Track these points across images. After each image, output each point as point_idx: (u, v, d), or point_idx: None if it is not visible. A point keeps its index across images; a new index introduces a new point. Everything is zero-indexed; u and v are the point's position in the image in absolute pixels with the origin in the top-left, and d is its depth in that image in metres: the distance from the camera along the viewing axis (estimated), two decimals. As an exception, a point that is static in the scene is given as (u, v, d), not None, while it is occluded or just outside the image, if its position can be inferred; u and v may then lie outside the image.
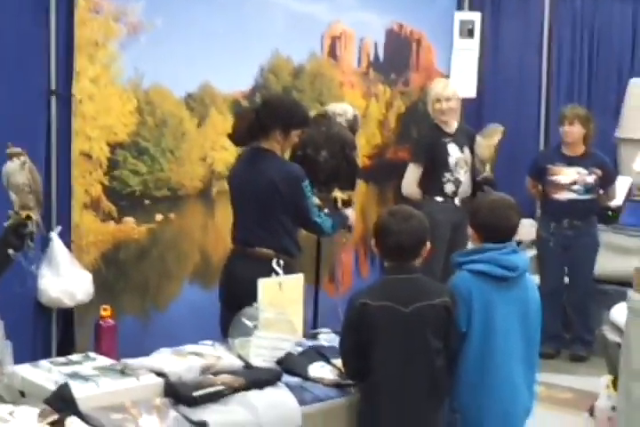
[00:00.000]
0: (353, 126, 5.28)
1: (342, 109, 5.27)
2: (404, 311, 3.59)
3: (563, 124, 6.63)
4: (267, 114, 4.48)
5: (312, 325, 5.09)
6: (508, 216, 3.89)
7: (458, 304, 3.71)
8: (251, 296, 4.03)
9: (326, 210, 4.85)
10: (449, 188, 6.34)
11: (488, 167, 6.46)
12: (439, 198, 6.27)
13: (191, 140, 5.61)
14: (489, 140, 6.43)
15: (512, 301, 3.86)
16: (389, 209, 3.88)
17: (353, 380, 3.74)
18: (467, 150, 6.43)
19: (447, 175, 6.34)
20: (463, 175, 6.39)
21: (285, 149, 4.64)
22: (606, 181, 6.67)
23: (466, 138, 6.47)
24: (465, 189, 6.40)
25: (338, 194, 5.11)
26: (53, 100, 4.92)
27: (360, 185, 6.59)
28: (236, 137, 4.60)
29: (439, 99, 6.33)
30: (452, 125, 6.42)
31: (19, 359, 3.74)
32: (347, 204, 5.12)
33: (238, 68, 5.71)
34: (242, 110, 4.65)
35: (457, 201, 6.33)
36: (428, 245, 3.73)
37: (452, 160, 6.35)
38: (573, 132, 6.59)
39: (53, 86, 4.92)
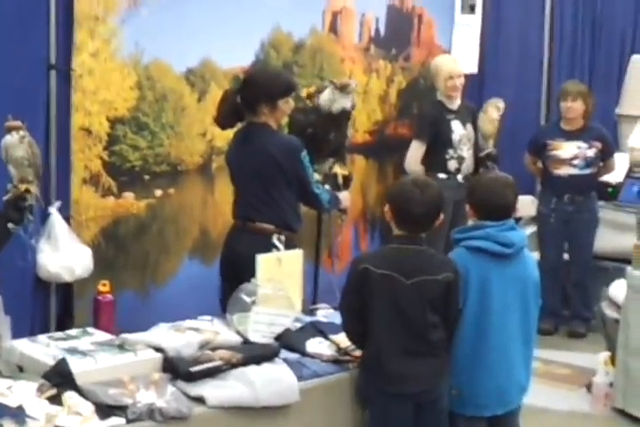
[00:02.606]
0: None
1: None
2: (405, 283, 3.60)
3: (564, 99, 6.62)
4: (248, 90, 4.48)
5: (312, 300, 5.10)
6: (504, 194, 3.90)
7: (461, 280, 3.71)
8: (251, 272, 4.04)
9: (327, 186, 4.86)
10: (452, 165, 6.33)
11: (491, 143, 6.47)
12: (442, 175, 6.25)
13: (191, 116, 5.60)
14: (491, 114, 6.43)
15: (510, 277, 3.87)
16: (410, 178, 3.89)
17: (353, 343, 3.76)
18: (469, 127, 6.43)
19: (450, 152, 6.33)
20: (466, 152, 6.39)
21: (279, 119, 4.62)
22: (606, 153, 6.67)
23: (468, 114, 6.46)
24: (468, 165, 6.40)
25: (338, 170, 5.11)
26: (53, 74, 4.90)
27: (360, 161, 6.60)
28: (221, 120, 4.60)
29: (452, 76, 6.32)
30: (456, 102, 6.41)
31: (17, 334, 3.77)
32: (347, 180, 5.12)
33: (239, 43, 5.68)
34: (223, 94, 4.62)
35: (460, 178, 6.33)
36: (442, 217, 3.74)
37: (455, 137, 6.34)
38: (575, 107, 6.59)
39: (53, 61, 4.90)
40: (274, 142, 4.46)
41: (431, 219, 3.70)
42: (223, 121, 4.61)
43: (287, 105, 4.55)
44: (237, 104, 4.50)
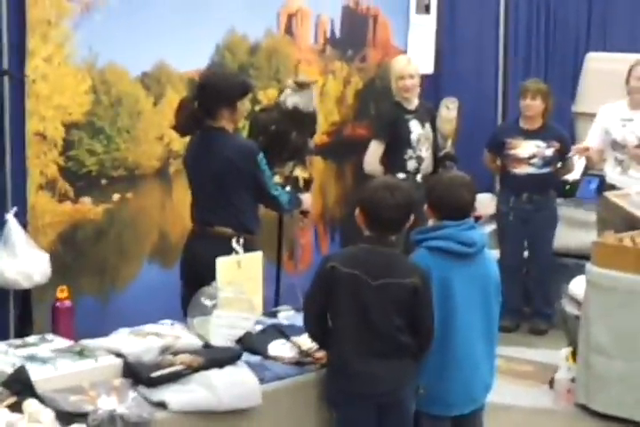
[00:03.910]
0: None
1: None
2: (371, 284, 3.59)
3: (524, 97, 6.65)
4: (206, 95, 4.45)
5: (274, 303, 5.10)
6: (462, 194, 3.90)
7: (431, 286, 3.69)
8: (211, 275, 4.03)
9: (288, 188, 4.85)
10: (411, 165, 6.34)
11: (449, 142, 6.49)
12: (401, 175, 6.24)
13: (147, 120, 5.56)
14: (447, 114, 6.46)
15: (471, 277, 3.88)
16: (382, 181, 3.88)
17: (315, 342, 3.76)
18: (428, 126, 6.44)
19: (409, 152, 6.34)
20: (425, 152, 6.40)
21: (238, 121, 4.63)
22: (565, 153, 6.70)
23: (427, 114, 6.48)
24: (427, 165, 6.41)
25: (299, 173, 5.11)
26: (6, 80, 4.85)
27: (318, 162, 6.59)
28: (180, 128, 4.59)
29: (403, 76, 6.32)
30: (413, 102, 6.43)
31: (-24, 342, 3.72)
32: (308, 183, 5.12)
33: (194, 46, 5.65)
34: (179, 102, 4.60)
35: (419, 178, 6.33)
36: (412, 219, 3.73)
37: (414, 137, 6.35)
38: (535, 106, 6.63)
39: (6, 66, 4.85)
40: (230, 146, 4.45)
41: (402, 221, 3.69)
42: (182, 129, 4.60)
43: (244, 106, 4.56)
44: (195, 111, 4.48)
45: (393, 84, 6.37)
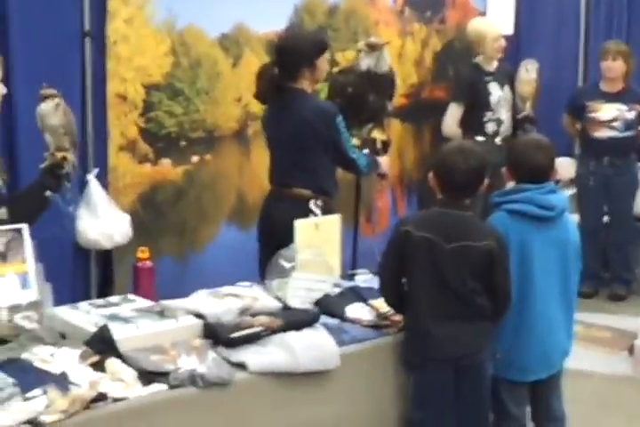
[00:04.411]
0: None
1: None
2: (445, 247, 3.56)
3: (605, 59, 6.55)
4: (286, 57, 4.44)
5: (351, 266, 5.10)
6: (536, 156, 3.84)
7: (507, 248, 3.67)
8: (289, 237, 4.03)
9: (365, 150, 4.83)
10: (490, 127, 6.29)
11: (529, 105, 6.41)
12: (480, 138, 6.21)
13: (226, 81, 5.58)
14: (527, 75, 6.38)
15: (551, 241, 3.83)
16: (455, 145, 3.81)
17: (390, 307, 3.75)
18: (507, 89, 6.39)
19: (488, 115, 6.30)
20: (504, 114, 6.35)
21: (319, 80, 4.60)
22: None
23: (506, 76, 6.43)
24: (506, 128, 6.36)
25: (377, 135, 5.08)
26: (87, 41, 4.89)
27: (396, 125, 6.56)
28: (262, 95, 4.59)
29: (499, 36, 6.29)
30: (493, 64, 6.36)
31: (58, 301, 3.78)
32: (386, 145, 5.10)
33: (273, 8, 5.65)
34: (259, 69, 4.59)
35: (498, 140, 6.29)
36: (486, 182, 3.71)
37: (493, 99, 6.31)
38: (616, 67, 6.53)
39: (87, 28, 4.88)
40: (309, 107, 4.44)
41: (475, 186, 3.66)
42: (264, 96, 4.59)
43: (325, 62, 4.54)
44: (275, 76, 4.47)
45: (487, 46, 6.30)
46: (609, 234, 6.80)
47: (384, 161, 4.95)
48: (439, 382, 3.65)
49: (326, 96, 5.22)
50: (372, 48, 5.11)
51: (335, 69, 5.61)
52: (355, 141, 4.79)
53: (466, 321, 3.61)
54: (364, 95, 5.05)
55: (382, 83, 5.15)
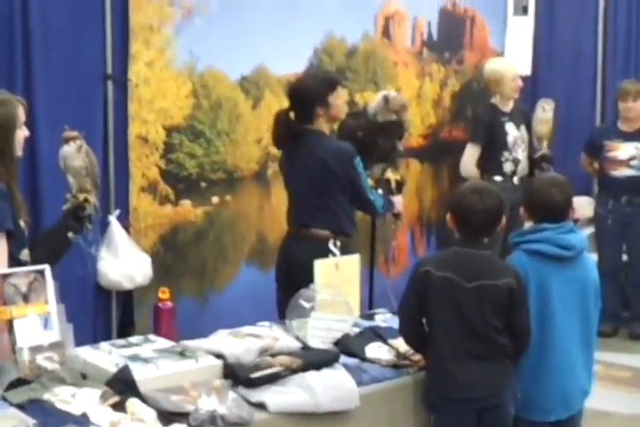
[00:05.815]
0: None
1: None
2: (466, 286, 3.58)
3: (624, 99, 6.57)
4: (300, 99, 4.48)
5: (368, 306, 5.10)
6: (552, 194, 3.84)
7: (526, 286, 3.68)
8: (308, 278, 4.05)
9: (380, 191, 4.85)
10: (508, 167, 6.32)
11: (545, 144, 6.43)
12: (498, 178, 6.23)
13: (246, 123, 5.63)
14: (544, 115, 6.41)
15: (570, 280, 3.83)
16: (471, 185, 3.85)
17: (410, 347, 3.75)
18: (523, 129, 6.42)
19: (506, 154, 6.32)
20: (521, 154, 6.38)
21: (337, 117, 4.60)
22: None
23: (522, 116, 6.45)
24: (523, 167, 6.38)
25: (391, 175, 5.10)
26: (110, 84, 4.96)
27: (415, 165, 6.59)
28: (279, 140, 4.62)
29: (517, 76, 6.34)
30: (509, 104, 6.40)
31: (80, 342, 3.80)
32: (400, 185, 5.11)
33: (292, 49, 5.71)
34: (275, 116, 4.62)
35: (516, 180, 6.31)
36: (503, 222, 3.73)
37: (510, 139, 6.34)
38: (635, 108, 6.55)
39: (110, 71, 4.96)
40: (327, 148, 4.47)
41: (492, 225, 3.69)
42: (282, 141, 4.62)
43: (339, 98, 4.54)
44: (291, 121, 4.51)
45: (506, 86, 6.32)
46: (628, 273, 6.78)
47: (398, 201, 4.97)
48: (461, 423, 3.64)
49: (338, 136, 5.24)
50: (387, 102, 5.11)
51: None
52: (369, 182, 4.81)
53: (488, 361, 3.61)
54: (374, 139, 5.05)
55: (391, 126, 5.15)
